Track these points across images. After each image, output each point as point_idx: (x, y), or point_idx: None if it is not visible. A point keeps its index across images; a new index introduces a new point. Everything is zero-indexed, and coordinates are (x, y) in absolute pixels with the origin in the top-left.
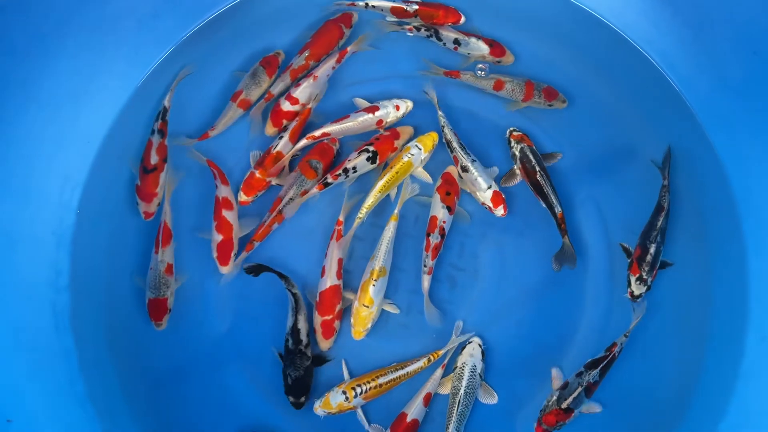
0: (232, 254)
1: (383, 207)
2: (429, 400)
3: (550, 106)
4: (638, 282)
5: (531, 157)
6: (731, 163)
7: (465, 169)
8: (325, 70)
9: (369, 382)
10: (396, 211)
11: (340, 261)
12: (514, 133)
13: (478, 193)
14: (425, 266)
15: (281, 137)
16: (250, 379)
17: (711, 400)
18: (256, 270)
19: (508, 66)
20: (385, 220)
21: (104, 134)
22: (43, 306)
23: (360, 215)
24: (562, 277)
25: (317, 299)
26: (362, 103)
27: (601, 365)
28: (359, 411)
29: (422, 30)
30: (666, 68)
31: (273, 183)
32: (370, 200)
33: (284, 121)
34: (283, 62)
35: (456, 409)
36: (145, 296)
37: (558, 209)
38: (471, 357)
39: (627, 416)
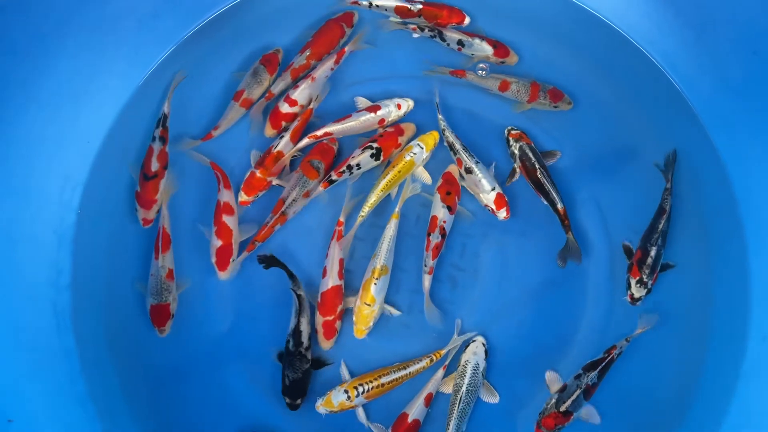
0: (231, 259)
1: (383, 207)
2: (430, 400)
3: (555, 107)
4: (638, 285)
5: (530, 154)
6: (733, 164)
7: (469, 171)
8: (323, 71)
9: (371, 382)
10: (397, 209)
11: (341, 261)
12: (512, 132)
13: (481, 195)
14: (426, 266)
15: (282, 137)
16: (251, 379)
17: (712, 400)
18: (268, 261)
19: (511, 67)
20: (386, 220)
21: (104, 134)
22: (44, 305)
23: (362, 213)
24: (563, 277)
25: (319, 300)
26: (363, 102)
27: (600, 367)
28: (360, 410)
29: (426, 30)
30: (668, 68)
31: (274, 183)
32: (373, 198)
33: (283, 123)
34: (283, 60)
35: (457, 406)
36: (146, 303)
37: (560, 205)
38: (474, 355)
39: (627, 416)
